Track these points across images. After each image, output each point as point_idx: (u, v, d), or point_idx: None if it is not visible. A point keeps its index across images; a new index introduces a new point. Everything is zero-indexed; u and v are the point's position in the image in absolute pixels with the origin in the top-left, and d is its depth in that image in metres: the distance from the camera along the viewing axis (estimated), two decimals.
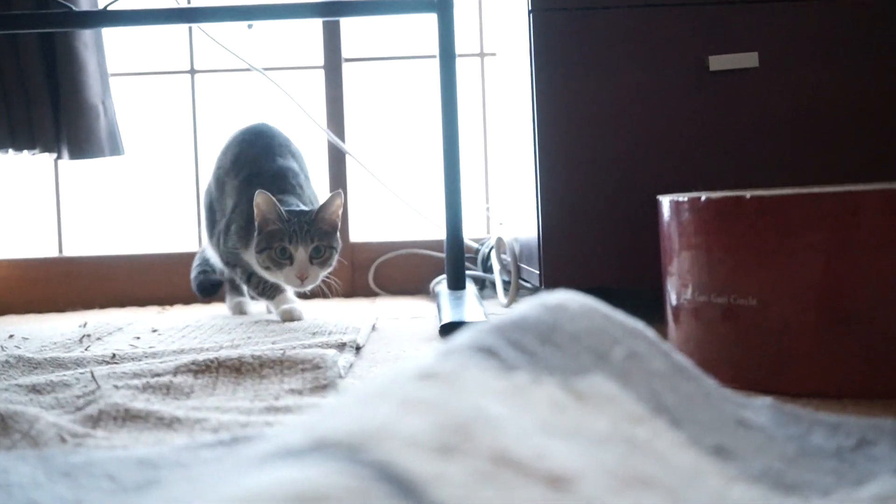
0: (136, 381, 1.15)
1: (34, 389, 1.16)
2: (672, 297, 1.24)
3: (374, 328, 1.86)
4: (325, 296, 2.03)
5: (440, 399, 0.55)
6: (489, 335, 0.67)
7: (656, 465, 0.63)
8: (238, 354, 1.23)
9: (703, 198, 1.16)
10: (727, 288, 1.10)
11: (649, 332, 0.84)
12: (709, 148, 1.69)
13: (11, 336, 1.81)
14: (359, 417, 0.51)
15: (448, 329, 1.63)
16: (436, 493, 0.47)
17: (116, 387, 1.13)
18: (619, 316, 0.82)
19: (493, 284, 2.34)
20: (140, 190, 2.71)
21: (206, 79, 2.69)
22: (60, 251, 2.70)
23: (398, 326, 1.90)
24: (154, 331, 1.78)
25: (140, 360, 1.40)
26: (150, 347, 1.55)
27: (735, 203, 1.12)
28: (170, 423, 1.00)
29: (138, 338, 1.67)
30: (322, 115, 2.65)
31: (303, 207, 1.95)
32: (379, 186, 2.58)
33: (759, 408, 0.86)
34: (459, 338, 0.69)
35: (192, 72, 2.70)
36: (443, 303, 2.00)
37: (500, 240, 2.27)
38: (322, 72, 2.65)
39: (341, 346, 1.45)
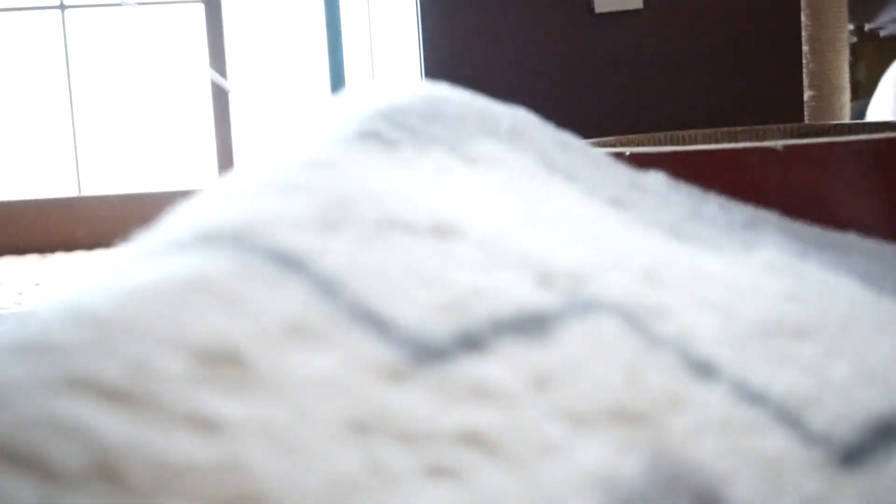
0: None
1: None
2: None
3: None
4: None
5: (324, 182, 0.53)
6: (371, 119, 0.64)
7: (553, 210, 0.61)
8: None
9: (627, 153, 1.11)
10: None
11: (532, 115, 0.79)
12: (598, 90, 1.76)
13: None
14: (243, 207, 0.49)
15: None
16: (321, 264, 0.45)
17: None
18: (500, 105, 0.78)
19: None
20: (13, 134, 2.69)
21: (77, 14, 2.67)
22: None
23: None
24: (36, 284, 1.82)
25: None
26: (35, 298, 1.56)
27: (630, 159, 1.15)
28: None
29: (21, 293, 1.71)
30: (203, 52, 2.67)
31: None
32: (265, 122, 2.62)
33: (654, 177, 0.82)
34: (341, 124, 0.64)
35: (62, 7, 2.68)
36: None
37: None
38: (202, 6, 2.66)
39: None
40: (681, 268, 0.58)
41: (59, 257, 2.36)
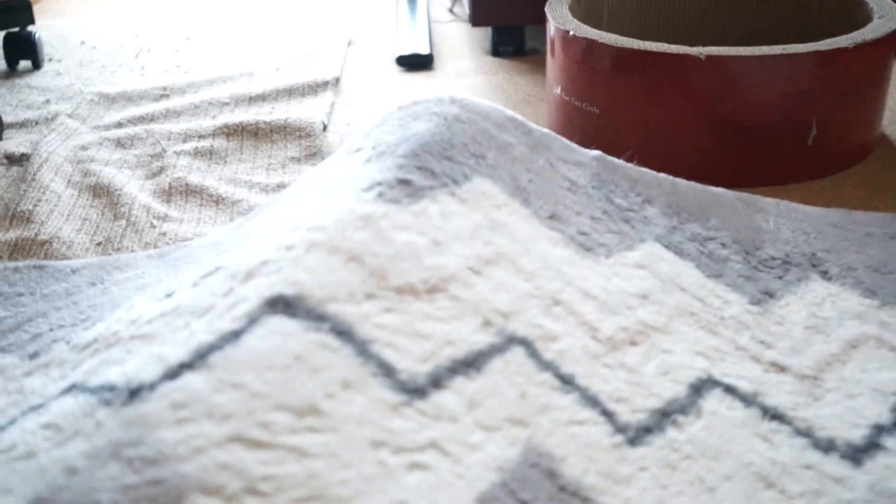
0: (188, 146, 1.23)
1: (120, 144, 1.24)
2: (549, 87, 1.25)
3: (349, 43, 1.83)
4: None
5: (368, 248, 0.62)
6: (405, 165, 0.71)
7: (507, 239, 0.69)
8: (255, 120, 1.29)
9: (572, 31, 1.15)
10: (581, 96, 1.16)
11: (517, 117, 0.85)
12: None
13: (83, 42, 1.85)
14: (311, 276, 0.59)
15: (403, 60, 1.66)
16: (361, 330, 0.57)
17: (176, 153, 1.21)
18: (497, 112, 0.84)
19: None
20: None
21: None
22: None
23: (367, 46, 1.86)
24: (188, 38, 1.89)
25: (184, 93, 1.49)
26: (186, 73, 1.61)
27: (581, 41, 1.14)
28: (217, 200, 1.08)
29: (177, 51, 1.78)
30: None
31: None
32: None
33: (588, 163, 0.86)
34: (385, 167, 0.71)
35: None
36: (399, 19, 2.08)
37: None
38: None
39: (325, 85, 1.50)
40: (575, 289, 0.69)
41: None
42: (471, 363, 0.59)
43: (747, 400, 0.66)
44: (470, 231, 0.68)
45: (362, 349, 0.56)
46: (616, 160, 0.89)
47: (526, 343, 0.63)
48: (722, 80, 1.08)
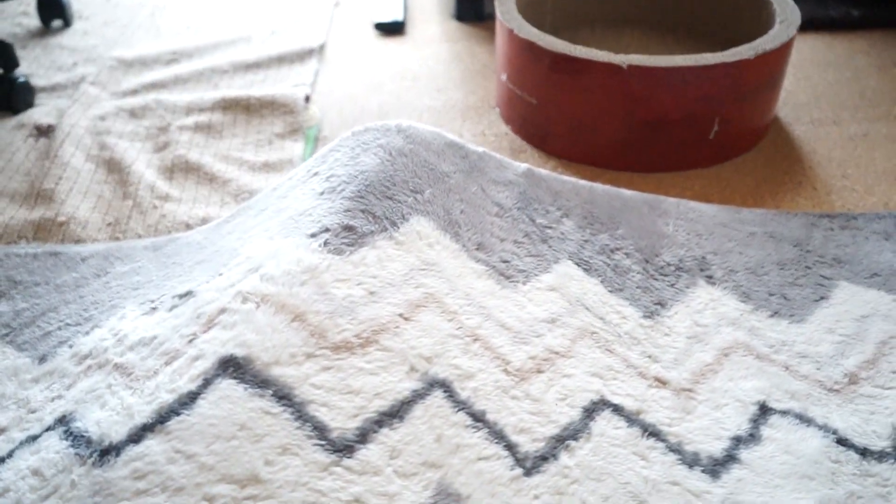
0: (189, 120, 1.13)
1: (133, 114, 1.15)
2: (497, 71, 1.16)
3: (337, 4, 1.68)
4: None
5: (312, 303, 0.56)
6: (350, 209, 0.64)
7: (436, 278, 0.63)
8: (247, 95, 1.19)
9: (514, 30, 1.06)
10: (521, 86, 1.08)
11: (456, 141, 0.78)
12: None
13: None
14: (266, 335, 0.53)
15: (381, 26, 1.54)
16: (299, 392, 0.52)
17: (179, 128, 1.11)
18: (438, 139, 0.76)
19: None
20: None
21: None
22: None
23: (352, 6, 1.83)
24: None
25: (192, 57, 1.37)
26: (196, 34, 1.49)
27: (522, 43, 1.04)
28: (211, 178, 1.00)
29: (188, 8, 1.65)
30: None
31: None
32: None
33: (516, 181, 0.78)
34: (333, 209, 0.64)
35: None
36: None
37: None
38: None
39: (310, 53, 1.38)
40: (492, 322, 0.64)
41: None
42: (395, 413, 0.56)
43: (630, 418, 0.63)
44: (403, 275, 0.63)
45: (300, 412, 0.53)
46: (542, 172, 0.84)
47: (445, 385, 0.59)
48: (640, 84, 1.02)
